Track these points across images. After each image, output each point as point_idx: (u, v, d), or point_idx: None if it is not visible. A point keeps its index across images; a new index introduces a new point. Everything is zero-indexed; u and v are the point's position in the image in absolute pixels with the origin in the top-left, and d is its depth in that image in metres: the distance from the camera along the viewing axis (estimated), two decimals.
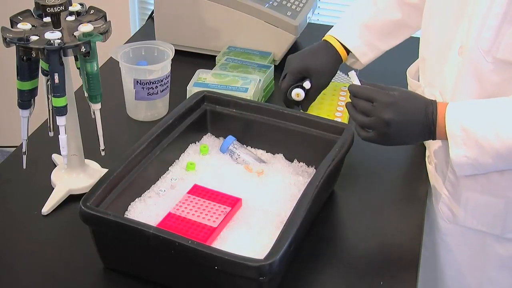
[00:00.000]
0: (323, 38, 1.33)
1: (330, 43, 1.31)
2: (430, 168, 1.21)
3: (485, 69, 1.03)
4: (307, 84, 1.28)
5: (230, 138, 1.23)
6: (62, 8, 1.00)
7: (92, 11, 1.08)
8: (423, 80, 1.23)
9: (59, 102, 1.02)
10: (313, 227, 1.10)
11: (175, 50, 1.39)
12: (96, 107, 1.09)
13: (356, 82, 1.16)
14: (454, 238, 1.19)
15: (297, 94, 1.28)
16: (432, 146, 1.21)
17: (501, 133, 0.99)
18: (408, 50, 1.47)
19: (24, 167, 1.12)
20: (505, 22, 0.99)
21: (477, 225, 1.15)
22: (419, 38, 1.26)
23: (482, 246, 1.17)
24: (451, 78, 1.10)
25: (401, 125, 1.05)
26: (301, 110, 1.30)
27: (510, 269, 1.19)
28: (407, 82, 1.37)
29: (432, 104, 1.05)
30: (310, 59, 1.28)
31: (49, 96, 1.05)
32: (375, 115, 1.06)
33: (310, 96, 1.29)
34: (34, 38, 1.00)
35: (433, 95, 1.16)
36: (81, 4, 1.08)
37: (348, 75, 1.21)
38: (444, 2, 1.12)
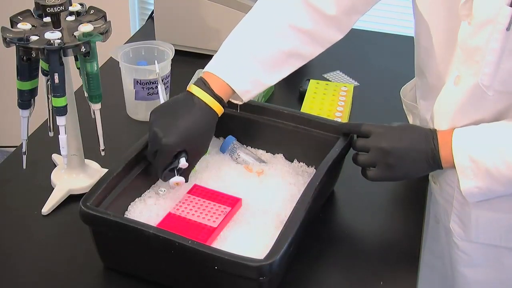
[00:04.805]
0: (189, 89, 1.07)
1: (204, 102, 1.05)
2: (435, 187, 1.19)
3: (487, 99, 1.00)
4: (183, 164, 1.04)
5: (230, 138, 1.23)
6: (62, 8, 1.00)
7: (92, 11, 1.08)
8: (419, 103, 1.21)
9: (59, 102, 1.02)
10: (313, 227, 1.10)
11: (175, 50, 1.39)
12: (96, 107, 1.09)
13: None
14: (469, 254, 1.16)
15: (177, 183, 1.06)
16: None
17: (510, 159, 0.97)
18: (408, 50, 1.47)
19: (24, 167, 1.12)
20: (503, 56, 0.95)
21: (489, 240, 1.13)
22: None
23: (498, 259, 1.15)
24: (447, 106, 1.06)
25: (401, 152, 1.03)
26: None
27: None
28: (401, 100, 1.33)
29: (432, 132, 1.04)
30: (183, 131, 1.03)
31: (49, 96, 1.05)
32: (372, 147, 1.05)
33: (189, 168, 1.07)
34: (34, 38, 1.00)
35: (425, 120, 1.15)
36: (81, 4, 1.08)
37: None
38: (434, 32, 1.08)
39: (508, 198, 1.06)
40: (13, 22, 1.04)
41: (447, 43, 1.05)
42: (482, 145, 1.00)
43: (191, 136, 1.04)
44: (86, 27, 1.02)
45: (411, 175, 1.08)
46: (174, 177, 1.06)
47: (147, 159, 1.09)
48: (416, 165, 1.05)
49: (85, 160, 1.19)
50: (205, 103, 1.05)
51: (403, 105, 1.33)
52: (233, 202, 1.07)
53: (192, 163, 1.08)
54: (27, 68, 1.03)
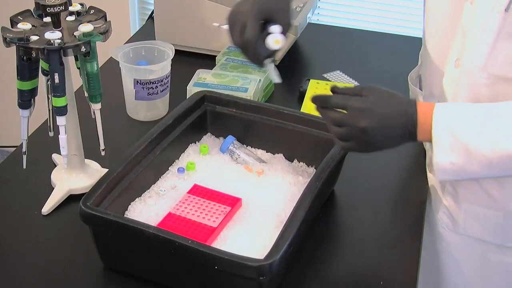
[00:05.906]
0: None
1: None
2: (430, 176, 1.19)
3: (480, 83, 0.99)
4: (276, 29, 1.02)
5: (230, 138, 1.23)
6: (62, 8, 1.00)
7: (92, 11, 1.08)
8: (424, 88, 1.21)
9: (59, 102, 1.02)
10: (313, 227, 1.10)
11: (175, 50, 1.39)
12: (96, 107, 1.09)
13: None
14: (455, 246, 1.17)
15: (277, 41, 1.01)
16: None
17: (494, 141, 0.93)
18: (408, 50, 1.47)
19: (24, 167, 1.12)
20: (500, 38, 0.95)
21: (477, 234, 1.13)
22: (420, 38, 1.26)
23: (484, 254, 1.16)
24: (448, 90, 1.07)
25: (379, 130, 0.98)
26: (274, 63, 1.09)
27: None
28: (408, 87, 1.33)
29: (412, 104, 0.98)
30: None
31: (49, 96, 1.05)
32: (350, 125, 0.98)
33: (283, 42, 1.06)
34: (34, 38, 1.00)
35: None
36: (81, 4, 1.08)
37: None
38: (439, 13, 1.09)
39: (498, 195, 1.07)
40: (13, 22, 1.04)
41: (451, 26, 1.05)
42: (463, 120, 0.95)
43: (278, 4, 1.04)
44: (86, 27, 1.02)
45: (384, 148, 1.01)
46: (272, 34, 1.01)
47: (147, 159, 1.10)
48: (391, 140, 0.99)
49: (85, 160, 1.19)
50: None
51: (410, 91, 1.32)
52: (233, 202, 1.07)
53: (284, 31, 1.04)
54: (27, 68, 1.03)
